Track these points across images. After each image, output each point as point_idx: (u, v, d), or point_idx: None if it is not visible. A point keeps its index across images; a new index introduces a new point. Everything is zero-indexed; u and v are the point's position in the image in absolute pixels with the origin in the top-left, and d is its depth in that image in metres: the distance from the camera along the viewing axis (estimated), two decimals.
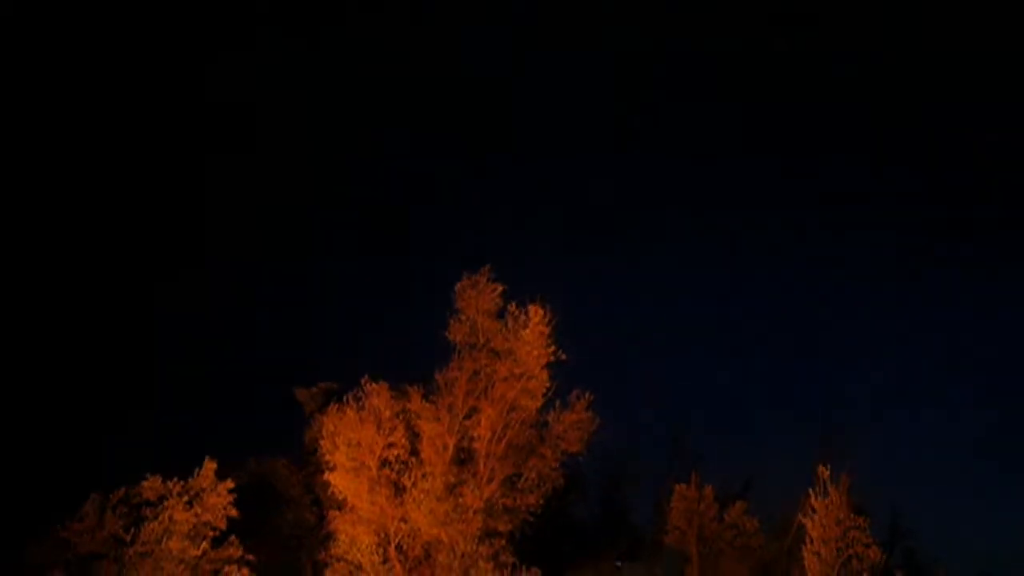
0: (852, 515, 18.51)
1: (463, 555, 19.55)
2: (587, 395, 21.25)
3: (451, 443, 20.34)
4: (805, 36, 41.00)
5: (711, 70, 44.88)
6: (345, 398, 20.85)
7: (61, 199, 31.71)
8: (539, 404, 20.95)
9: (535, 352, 20.62)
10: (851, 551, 18.38)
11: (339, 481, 20.34)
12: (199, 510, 19.85)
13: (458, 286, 21.18)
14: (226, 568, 19.77)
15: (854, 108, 44.43)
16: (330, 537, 20.87)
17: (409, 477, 20.14)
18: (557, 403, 21.16)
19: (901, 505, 24.27)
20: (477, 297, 21.01)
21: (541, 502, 20.92)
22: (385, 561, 20.05)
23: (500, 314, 21.09)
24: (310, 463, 23.51)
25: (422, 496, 19.82)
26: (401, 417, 20.58)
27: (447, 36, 42.81)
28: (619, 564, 25.08)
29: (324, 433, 20.77)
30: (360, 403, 20.55)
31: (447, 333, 21.07)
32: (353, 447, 20.24)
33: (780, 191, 48.38)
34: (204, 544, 19.74)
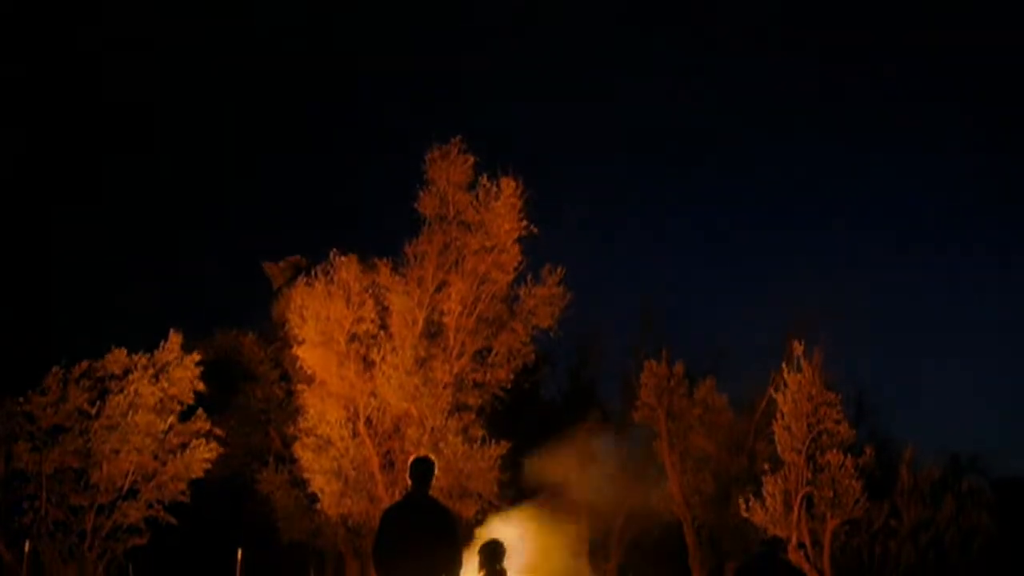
0: (824, 390, 18.45)
1: (432, 429, 19.47)
2: (559, 269, 21.00)
3: (420, 317, 20.05)
4: None
5: None
6: (314, 272, 20.42)
7: None
8: (510, 278, 20.66)
9: (506, 225, 20.19)
10: (821, 427, 18.39)
11: (308, 355, 20.09)
12: (165, 384, 19.51)
13: (428, 156, 20.59)
14: (194, 442, 19.55)
15: None
16: (298, 412, 20.74)
17: (378, 351, 19.90)
18: (529, 277, 20.92)
19: (869, 382, 24.44)
20: (448, 168, 20.43)
21: (511, 377, 20.88)
22: (354, 435, 19.98)
23: (472, 186, 20.58)
24: (278, 338, 23.33)
25: (391, 371, 19.61)
26: (370, 291, 20.23)
27: None
28: None
29: (292, 307, 20.43)
30: (329, 277, 20.13)
31: (417, 205, 20.57)
32: (322, 321, 19.91)
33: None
34: (171, 418, 19.46)
